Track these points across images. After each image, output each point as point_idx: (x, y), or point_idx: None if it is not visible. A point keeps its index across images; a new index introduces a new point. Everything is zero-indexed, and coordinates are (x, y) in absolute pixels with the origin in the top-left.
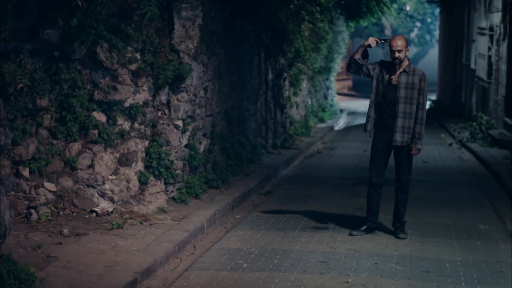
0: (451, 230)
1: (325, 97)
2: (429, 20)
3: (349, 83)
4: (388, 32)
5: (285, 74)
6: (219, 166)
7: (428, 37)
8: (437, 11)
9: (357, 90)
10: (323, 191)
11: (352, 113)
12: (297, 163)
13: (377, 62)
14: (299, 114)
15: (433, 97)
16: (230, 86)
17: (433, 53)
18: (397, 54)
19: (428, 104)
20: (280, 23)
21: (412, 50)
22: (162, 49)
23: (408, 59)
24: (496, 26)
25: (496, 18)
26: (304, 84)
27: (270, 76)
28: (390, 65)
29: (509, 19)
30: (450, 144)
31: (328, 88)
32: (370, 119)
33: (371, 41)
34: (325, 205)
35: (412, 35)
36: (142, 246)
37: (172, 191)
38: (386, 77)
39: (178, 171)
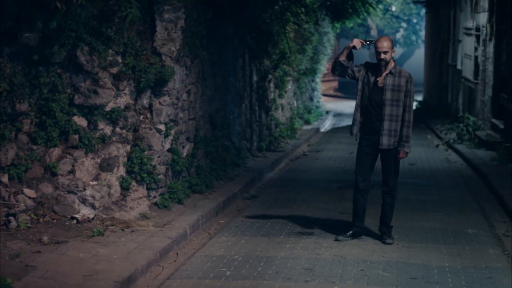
0: (438, 235)
1: (311, 99)
2: (415, 20)
3: (335, 84)
4: (374, 33)
5: (270, 76)
6: (203, 170)
7: (414, 38)
8: (423, 11)
9: (343, 91)
10: (308, 194)
11: (338, 115)
12: (283, 166)
13: (362, 64)
14: (284, 116)
15: (419, 97)
16: (214, 89)
17: (419, 53)
18: (382, 56)
19: (414, 104)
20: (264, 24)
21: (398, 51)
22: (144, 52)
23: (394, 61)
24: (483, 26)
25: (483, 18)
26: (290, 86)
27: (254, 78)
28: (375, 67)
29: (495, 19)
30: (437, 146)
31: (313, 89)
32: (356, 122)
33: (356, 42)
34: (310, 209)
35: (398, 35)
36: (123, 254)
37: (154, 197)
38: (372, 79)
39: (161, 176)
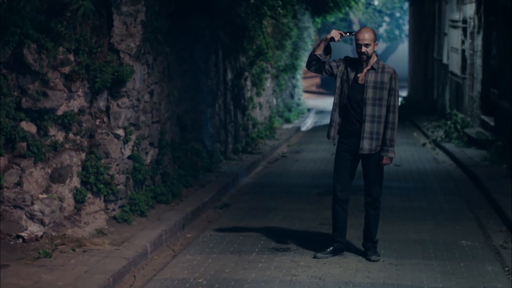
0: (429, 249)
1: (292, 96)
2: (398, 14)
3: (317, 80)
4: (356, 27)
5: (246, 73)
6: (169, 178)
7: (397, 32)
8: (406, 5)
9: (326, 88)
10: (285, 202)
11: (320, 112)
12: (260, 169)
13: (341, 58)
14: (262, 115)
15: (404, 93)
16: (183, 89)
17: (403, 48)
18: (364, 49)
19: (399, 101)
20: (239, 18)
21: (381, 46)
22: (99, 49)
23: (377, 55)
24: (470, 18)
25: (470, 9)
26: (268, 84)
27: (229, 76)
28: (356, 61)
29: (484, 10)
30: (424, 144)
31: (294, 86)
32: (333, 124)
33: (334, 34)
34: (287, 219)
35: (381, 30)
36: (70, 280)
37: (113, 210)
38: (352, 75)
39: (120, 187)
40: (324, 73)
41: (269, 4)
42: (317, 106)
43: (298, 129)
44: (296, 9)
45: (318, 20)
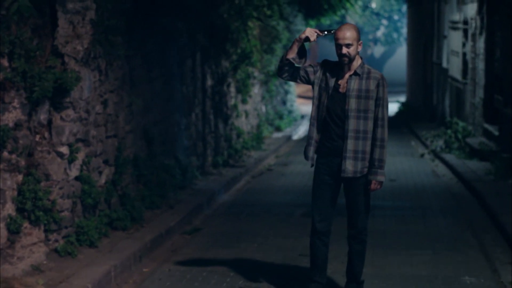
0: (426, 287)
1: (284, 103)
2: (396, 17)
3: None
4: None
5: (229, 79)
6: (129, 199)
7: (395, 35)
8: (405, 8)
9: None
10: (264, 225)
11: None
12: (242, 184)
13: (319, 62)
14: (249, 124)
15: (403, 98)
16: (151, 97)
17: (401, 52)
18: (344, 50)
19: (396, 106)
20: (220, 19)
21: (379, 49)
22: (38, 53)
23: (361, 58)
24: (471, 19)
25: (471, 9)
26: (256, 90)
27: (209, 82)
28: (336, 66)
29: (486, 10)
30: (422, 155)
31: (287, 92)
32: (311, 141)
33: (309, 32)
34: (263, 248)
35: (379, 33)
36: None
37: (55, 241)
38: (332, 82)
39: (65, 213)
40: (299, 81)
41: (254, 4)
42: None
43: (289, 138)
44: (283, 9)
45: (312, 23)
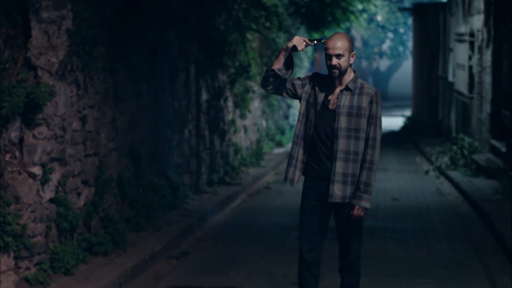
0: None
1: (286, 117)
2: (402, 30)
3: None
4: (358, 44)
5: (227, 93)
6: (112, 222)
7: (401, 49)
8: (410, 21)
9: None
10: (257, 250)
11: None
12: (237, 204)
13: (309, 75)
14: (248, 140)
15: (408, 113)
16: (138, 112)
17: (407, 65)
18: (335, 61)
19: (402, 120)
20: (216, 31)
21: (385, 63)
22: (8, 65)
23: (354, 71)
24: (478, 31)
25: (478, 21)
26: (256, 104)
27: (204, 96)
28: (326, 80)
29: (493, 22)
30: (427, 172)
31: (289, 106)
32: (292, 161)
33: (297, 41)
34: (252, 277)
35: (384, 46)
36: None
37: (27, 268)
38: (321, 97)
39: (37, 239)
40: (284, 94)
41: (251, 15)
42: None
43: None
44: (283, 20)
45: (316, 35)
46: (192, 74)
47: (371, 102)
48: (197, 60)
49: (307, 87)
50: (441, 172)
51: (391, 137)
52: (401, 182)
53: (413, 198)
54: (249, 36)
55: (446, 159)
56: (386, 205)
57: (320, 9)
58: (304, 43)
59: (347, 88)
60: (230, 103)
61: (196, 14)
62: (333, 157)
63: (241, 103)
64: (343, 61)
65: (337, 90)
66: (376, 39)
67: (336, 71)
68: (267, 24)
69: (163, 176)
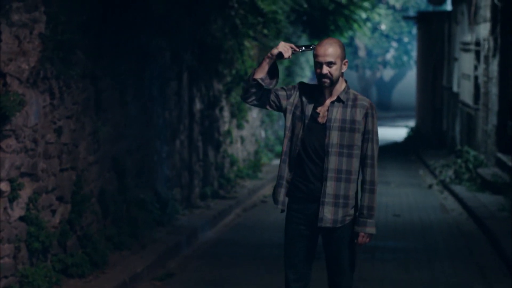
0: None
1: None
2: (406, 39)
3: None
4: (362, 53)
5: (222, 103)
6: (91, 241)
7: (405, 58)
8: (415, 30)
9: None
10: (247, 271)
11: None
12: (230, 219)
13: (295, 86)
14: (246, 151)
15: (412, 123)
16: (124, 123)
17: (412, 75)
18: (325, 70)
19: (405, 131)
20: (211, 38)
21: (389, 73)
22: None
23: (346, 81)
24: (484, 40)
25: (484, 30)
26: (255, 114)
27: (198, 106)
28: (315, 90)
29: (500, 30)
30: (430, 186)
31: None
32: (281, 182)
33: (283, 47)
34: None
35: (388, 56)
36: None
37: None
38: (309, 110)
39: (5, 260)
40: (268, 107)
41: (249, 22)
42: None
43: None
44: (280, 27)
45: (317, 43)
46: (185, 83)
47: (366, 116)
48: (191, 68)
49: (293, 98)
50: (445, 186)
51: (394, 149)
52: (403, 196)
53: (415, 214)
54: (247, 43)
55: (450, 172)
56: (387, 221)
57: (322, 17)
58: (291, 49)
59: (338, 100)
60: (226, 113)
61: (190, 19)
62: (323, 176)
63: (238, 113)
64: (334, 70)
65: (328, 101)
66: (380, 49)
67: (327, 81)
68: (265, 31)
69: (151, 190)
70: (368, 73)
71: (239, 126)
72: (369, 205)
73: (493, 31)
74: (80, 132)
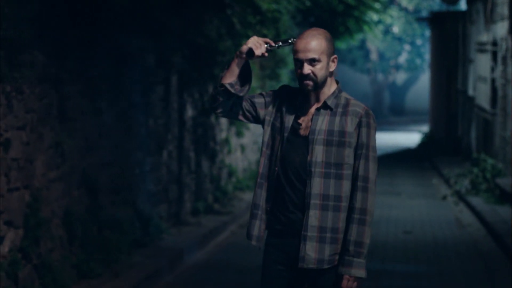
0: None
1: None
2: (419, 42)
3: None
4: (374, 56)
5: None
6: (50, 270)
7: (418, 61)
8: (428, 32)
9: None
10: None
11: None
12: (223, 237)
13: (275, 90)
14: (246, 160)
15: (425, 128)
16: (98, 133)
17: (425, 78)
18: (307, 69)
19: (418, 136)
20: (204, 39)
21: (402, 76)
22: None
23: (338, 82)
24: (502, 39)
25: (501, 28)
26: None
27: (189, 112)
28: (298, 95)
29: None
30: (444, 197)
31: None
32: (256, 212)
33: (253, 43)
34: None
35: (401, 59)
36: None
37: None
38: (289, 120)
39: None
40: (241, 118)
41: (247, 21)
42: None
43: None
44: (280, 27)
45: None
46: (173, 87)
47: (359, 125)
48: (181, 71)
49: (271, 106)
50: (460, 197)
51: (406, 155)
52: (415, 209)
53: (428, 230)
54: None
55: (466, 182)
56: (396, 240)
57: (331, 18)
58: (265, 45)
59: (325, 106)
60: (223, 120)
61: (178, 18)
62: (304, 203)
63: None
64: (319, 69)
65: (312, 108)
66: (393, 52)
67: (310, 83)
68: (265, 31)
69: (130, 208)
70: (380, 77)
71: (239, 134)
72: (357, 240)
73: (511, 29)
74: (37, 144)
